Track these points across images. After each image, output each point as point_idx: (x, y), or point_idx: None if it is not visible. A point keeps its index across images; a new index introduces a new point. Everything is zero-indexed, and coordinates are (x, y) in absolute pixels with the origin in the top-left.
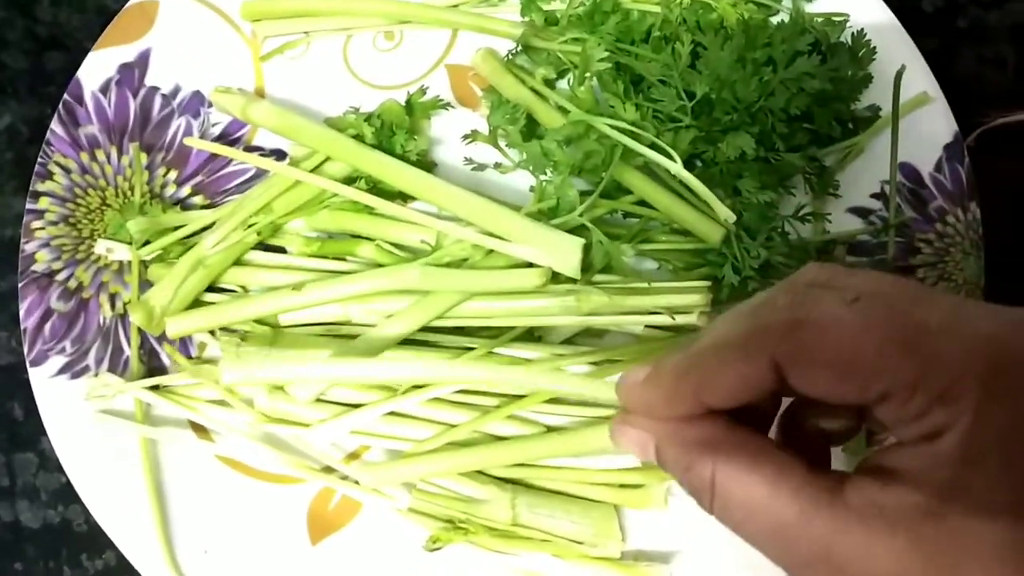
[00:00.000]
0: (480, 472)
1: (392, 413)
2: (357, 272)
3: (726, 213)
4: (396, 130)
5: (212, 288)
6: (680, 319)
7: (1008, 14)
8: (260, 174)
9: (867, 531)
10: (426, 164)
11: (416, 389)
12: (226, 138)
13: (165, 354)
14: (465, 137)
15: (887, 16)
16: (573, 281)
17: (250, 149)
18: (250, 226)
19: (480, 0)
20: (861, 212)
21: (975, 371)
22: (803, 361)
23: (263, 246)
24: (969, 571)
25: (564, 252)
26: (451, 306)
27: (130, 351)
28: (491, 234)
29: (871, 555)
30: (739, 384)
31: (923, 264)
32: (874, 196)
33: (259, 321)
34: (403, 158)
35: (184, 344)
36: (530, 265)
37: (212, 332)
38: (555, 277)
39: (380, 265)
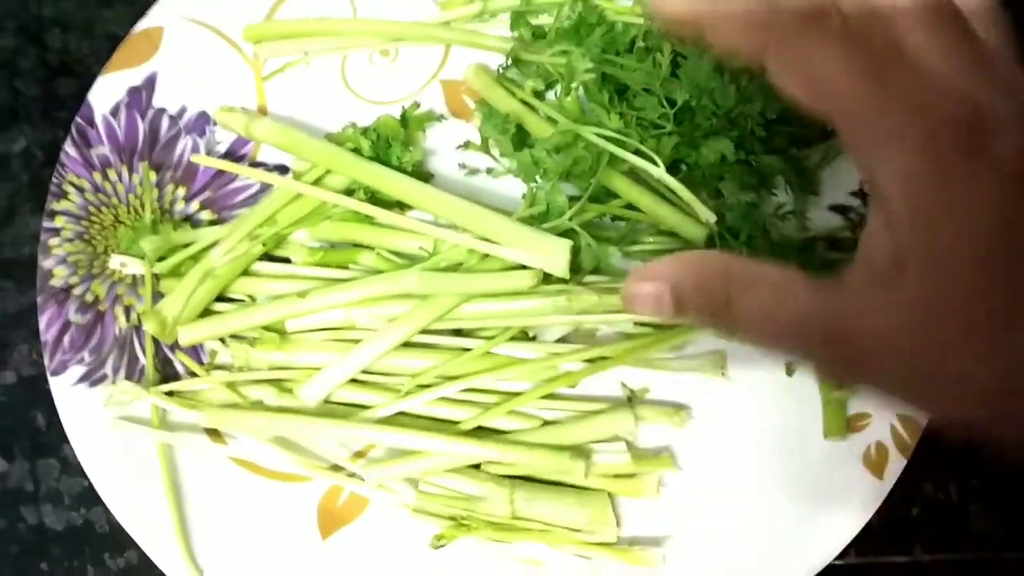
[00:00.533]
0: (480, 470)
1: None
2: (358, 279)
3: (707, 215)
4: (392, 142)
5: (221, 298)
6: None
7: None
8: (265, 189)
9: (868, 296)
10: (422, 174)
11: (421, 389)
12: (231, 155)
13: (178, 361)
14: (459, 147)
15: None
16: (565, 282)
17: (255, 165)
18: (255, 237)
19: (471, 17)
20: (841, 209)
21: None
22: (785, 70)
23: (269, 257)
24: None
25: (553, 253)
26: (449, 309)
27: (145, 360)
28: (484, 239)
29: (875, 313)
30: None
31: None
32: (852, 194)
33: (267, 328)
34: (399, 169)
35: (196, 352)
36: (523, 267)
37: (223, 340)
38: (547, 279)
39: (381, 272)
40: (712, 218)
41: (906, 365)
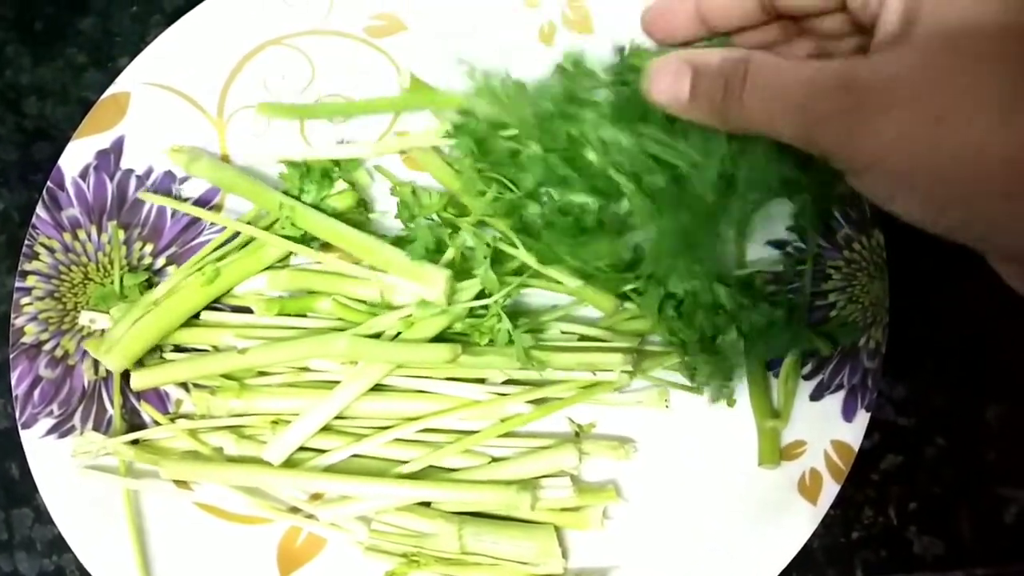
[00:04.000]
0: (429, 507)
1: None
2: (310, 331)
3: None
4: (321, 179)
5: (182, 349)
6: (600, 376)
7: None
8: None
9: (879, 50)
10: (356, 214)
11: (376, 431)
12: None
13: (145, 412)
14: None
15: None
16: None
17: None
18: (199, 270)
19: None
20: (779, 244)
21: None
22: None
23: (232, 308)
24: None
25: (432, 281)
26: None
27: (113, 411)
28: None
29: (886, 62)
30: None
31: (834, 289)
32: (789, 229)
33: (227, 376)
34: (317, 206)
35: (162, 401)
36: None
37: (187, 388)
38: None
39: (339, 319)
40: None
41: (920, 113)
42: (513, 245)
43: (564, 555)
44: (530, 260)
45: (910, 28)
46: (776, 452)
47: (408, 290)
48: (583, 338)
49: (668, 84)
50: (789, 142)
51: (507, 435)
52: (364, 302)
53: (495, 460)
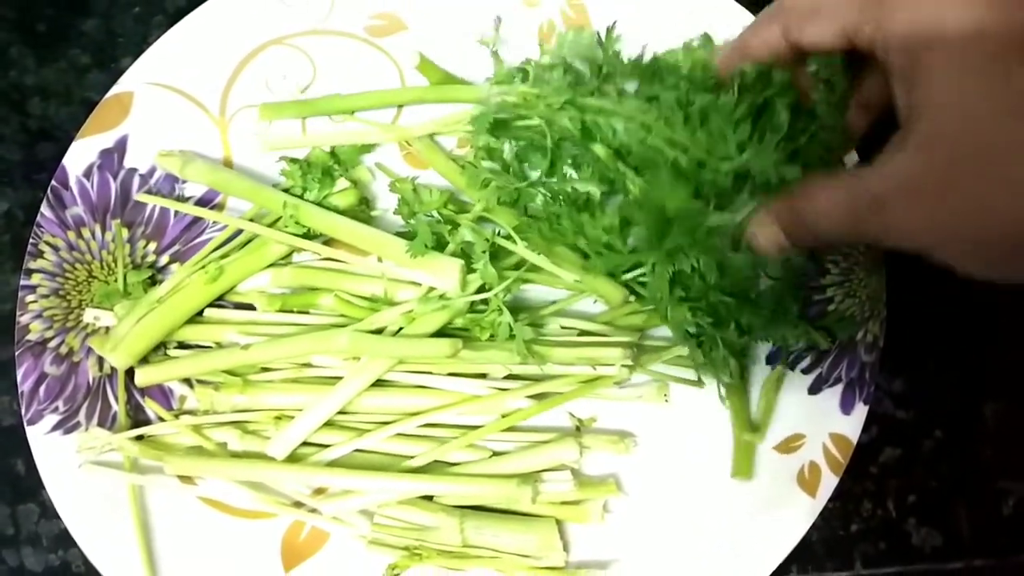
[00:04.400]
0: (431, 501)
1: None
2: (311, 327)
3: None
4: (323, 177)
5: (186, 345)
6: (600, 370)
7: None
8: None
9: (888, 155)
10: (358, 212)
11: (378, 426)
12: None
13: (149, 408)
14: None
15: None
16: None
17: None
18: (202, 268)
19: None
20: None
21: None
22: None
23: (234, 305)
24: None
25: (445, 272)
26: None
27: (117, 407)
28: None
29: (894, 168)
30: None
31: (831, 284)
32: None
33: (230, 372)
34: (320, 203)
35: (167, 398)
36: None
37: (190, 384)
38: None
39: (341, 315)
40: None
41: (930, 208)
42: (512, 240)
43: (565, 548)
44: (529, 255)
45: (914, 123)
46: (750, 466)
47: (421, 280)
48: (583, 333)
49: (766, 237)
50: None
51: (508, 429)
52: (365, 298)
53: (496, 454)
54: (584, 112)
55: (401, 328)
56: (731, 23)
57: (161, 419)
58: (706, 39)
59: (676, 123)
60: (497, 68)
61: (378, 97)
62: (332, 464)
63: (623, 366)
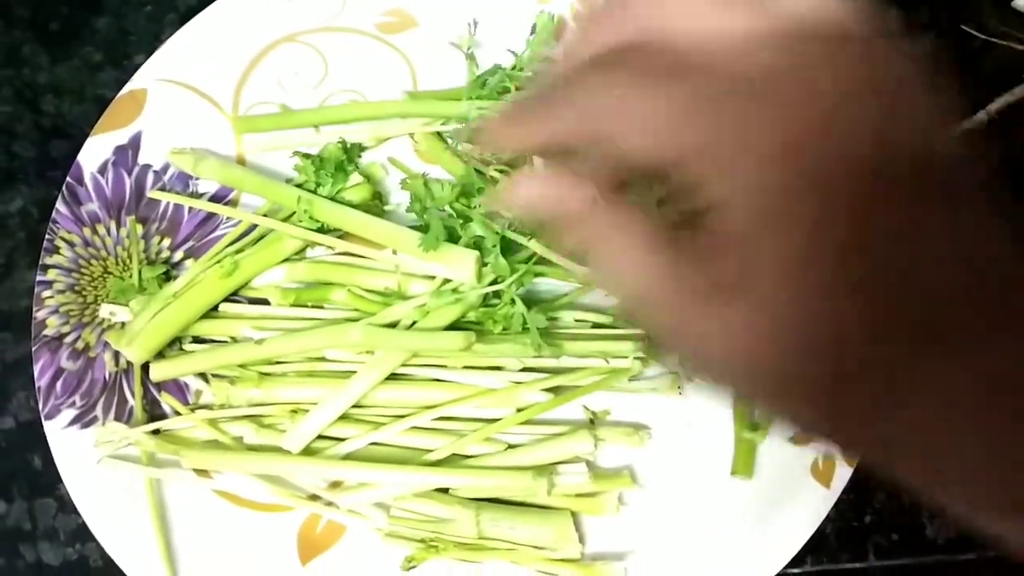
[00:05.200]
0: (447, 493)
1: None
2: (325, 321)
3: None
4: (336, 172)
5: (201, 340)
6: (614, 363)
7: None
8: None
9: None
10: (372, 207)
11: (394, 419)
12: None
13: (165, 402)
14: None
15: None
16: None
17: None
18: (217, 263)
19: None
20: None
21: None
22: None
23: (249, 300)
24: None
25: (461, 264)
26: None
27: (134, 401)
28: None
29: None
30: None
31: None
32: None
33: (246, 366)
34: (333, 198)
35: (182, 392)
36: (459, 328)
37: (206, 379)
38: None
39: (355, 309)
40: None
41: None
42: (523, 234)
43: (580, 540)
44: (539, 248)
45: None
46: (750, 464)
47: (436, 272)
48: (596, 326)
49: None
50: None
51: (524, 423)
52: (379, 292)
53: (512, 447)
54: None
55: (415, 322)
56: None
57: (177, 413)
58: None
59: None
60: (470, 76)
61: (357, 110)
62: (348, 457)
63: (636, 359)
